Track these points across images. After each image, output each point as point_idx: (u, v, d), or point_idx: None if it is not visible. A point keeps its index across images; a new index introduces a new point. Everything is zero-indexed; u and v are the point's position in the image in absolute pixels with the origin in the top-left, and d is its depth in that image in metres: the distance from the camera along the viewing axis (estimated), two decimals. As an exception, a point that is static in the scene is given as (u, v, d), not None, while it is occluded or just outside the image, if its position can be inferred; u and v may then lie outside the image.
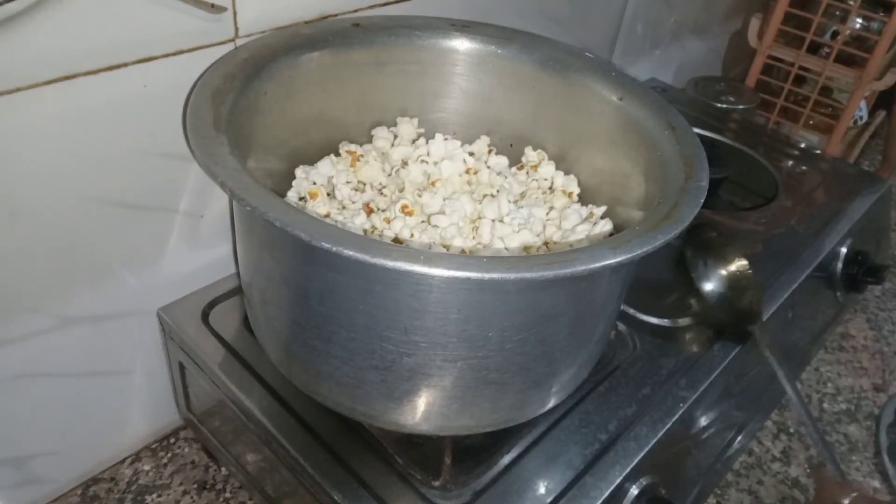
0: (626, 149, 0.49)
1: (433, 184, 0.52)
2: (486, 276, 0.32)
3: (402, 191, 0.52)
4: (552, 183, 0.54)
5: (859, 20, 0.98)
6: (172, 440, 0.59)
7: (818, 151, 0.89)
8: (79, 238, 0.46)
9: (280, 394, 0.47)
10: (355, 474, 0.43)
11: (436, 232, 0.47)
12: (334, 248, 0.32)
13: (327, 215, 0.48)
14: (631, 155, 0.48)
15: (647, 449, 0.47)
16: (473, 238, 0.47)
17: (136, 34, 0.42)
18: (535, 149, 0.56)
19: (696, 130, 0.46)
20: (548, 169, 0.54)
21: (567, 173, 0.54)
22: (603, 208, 0.50)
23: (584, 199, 0.53)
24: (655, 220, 0.37)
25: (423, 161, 0.53)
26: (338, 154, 0.54)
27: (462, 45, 0.54)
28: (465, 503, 0.43)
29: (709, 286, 0.55)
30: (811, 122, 1.05)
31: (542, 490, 0.43)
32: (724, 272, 0.55)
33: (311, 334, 0.41)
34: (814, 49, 0.99)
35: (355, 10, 0.55)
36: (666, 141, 0.45)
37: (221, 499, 0.55)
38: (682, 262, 0.56)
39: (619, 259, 0.34)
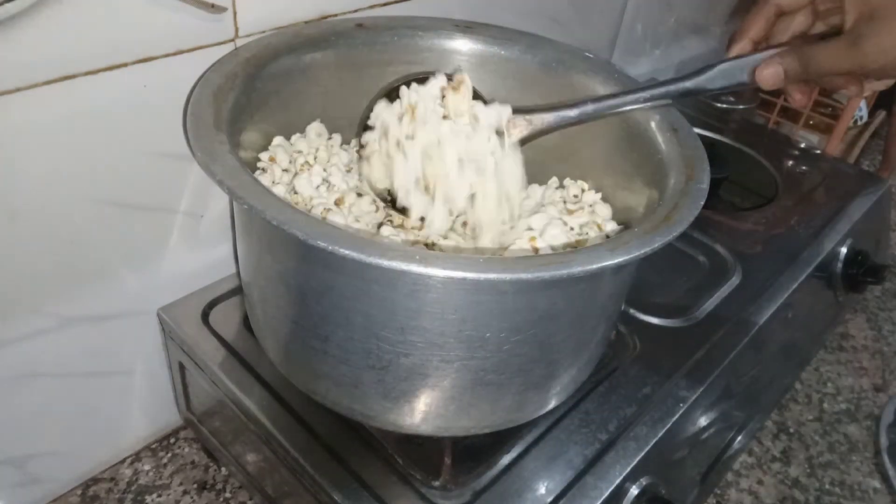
0: (627, 150, 0.49)
1: None
2: (483, 276, 0.32)
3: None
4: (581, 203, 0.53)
5: (860, 20, 0.98)
6: (172, 440, 0.59)
7: (818, 151, 0.89)
8: (79, 238, 0.46)
9: (280, 394, 0.47)
10: (355, 474, 0.43)
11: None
12: (330, 248, 0.32)
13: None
14: (632, 157, 0.48)
15: (647, 449, 0.47)
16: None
17: (135, 34, 0.42)
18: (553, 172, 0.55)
19: (696, 130, 0.46)
20: (590, 197, 0.53)
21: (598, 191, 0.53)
22: (611, 224, 0.49)
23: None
24: (655, 222, 0.37)
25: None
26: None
27: (465, 45, 0.54)
28: (465, 503, 0.43)
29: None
30: (811, 122, 1.05)
31: (542, 490, 0.43)
32: None
33: (309, 334, 0.41)
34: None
35: (356, 10, 0.55)
36: (668, 143, 0.45)
37: (221, 499, 0.55)
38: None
39: (617, 261, 0.34)
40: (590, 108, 0.47)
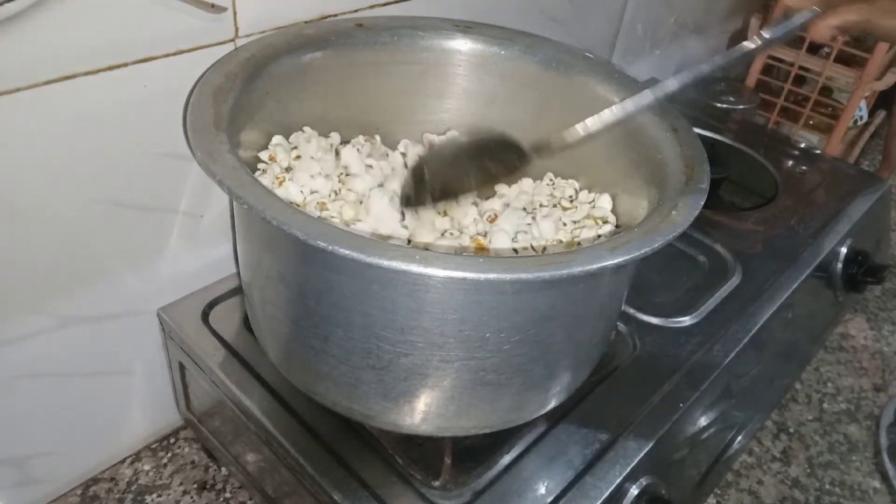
0: (627, 150, 0.49)
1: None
2: (483, 276, 0.32)
3: None
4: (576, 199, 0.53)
5: (860, 20, 0.98)
6: (172, 440, 0.59)
7: (818, 151, 0.89)
8: (79, 238, 0.46)
9: (280, 394, 0.47)
10: (355, 474, 0.43)
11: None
12: (330, 247, 0.32)
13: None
14: (632, 157, 0.48)
15: (647, 449, 0.47)
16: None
17: (136, 34, 0.42)
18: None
19: (696, 130, 0.46)
20: (585, 196, 0.53)
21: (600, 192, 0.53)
22: (610, 226, 0.49)
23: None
24: (654, 222, 0.37)
25: None
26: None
27: (465, 45, 0.54)
28: (465, 503, 0.43)
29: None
30: (811, 122, 1.05)
31: (542, 490, 0.43)
32: None
33: (308, 333, 0.41)
34: (814, 49, 0.98)
35: (356, 10, 0.55)
36: (668, 143, 0.45)
37: (221, 499, 0.55)
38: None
39: (616, 261, 0.34)
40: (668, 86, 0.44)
